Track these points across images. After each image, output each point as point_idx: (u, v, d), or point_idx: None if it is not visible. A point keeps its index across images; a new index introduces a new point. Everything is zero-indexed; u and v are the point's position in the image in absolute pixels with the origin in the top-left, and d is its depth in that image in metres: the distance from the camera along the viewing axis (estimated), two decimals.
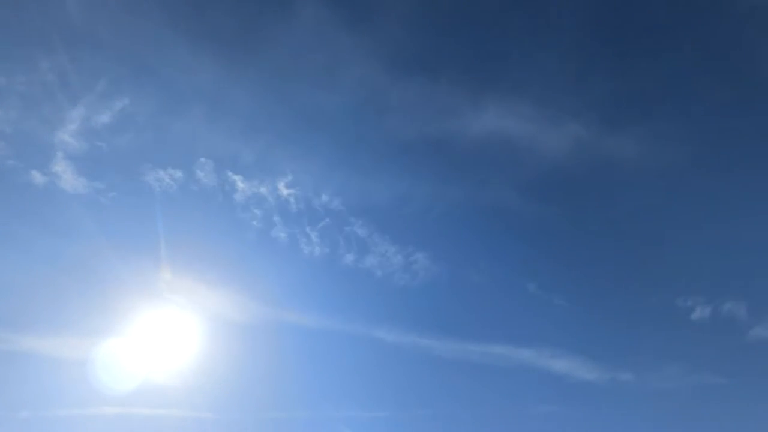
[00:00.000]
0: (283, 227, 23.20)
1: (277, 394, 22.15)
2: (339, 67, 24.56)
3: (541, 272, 25.07)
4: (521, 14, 25.53)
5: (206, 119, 23.62)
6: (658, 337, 26.21)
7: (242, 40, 23.65)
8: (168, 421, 21.07)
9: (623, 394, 25.95)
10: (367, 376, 23.90)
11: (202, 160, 22.79)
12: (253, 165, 23.51)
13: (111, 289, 21.58)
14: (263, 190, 23.13)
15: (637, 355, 26.15)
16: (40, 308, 21.27)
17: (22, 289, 20.98)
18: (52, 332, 20.88)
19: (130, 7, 22.25)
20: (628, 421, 26.07)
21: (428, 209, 24.57)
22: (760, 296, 26.03)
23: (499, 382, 24.33)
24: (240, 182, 23.06)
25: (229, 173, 23.05)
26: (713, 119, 26.21)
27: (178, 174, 22.45)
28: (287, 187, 23.46)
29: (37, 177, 21.19)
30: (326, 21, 23.76)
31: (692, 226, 25.67)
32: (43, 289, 21.17)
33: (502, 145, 24.89)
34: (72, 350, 20.72)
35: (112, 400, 20.55)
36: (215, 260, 22.66)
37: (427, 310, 24.73)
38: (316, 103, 24.36)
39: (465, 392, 23.97)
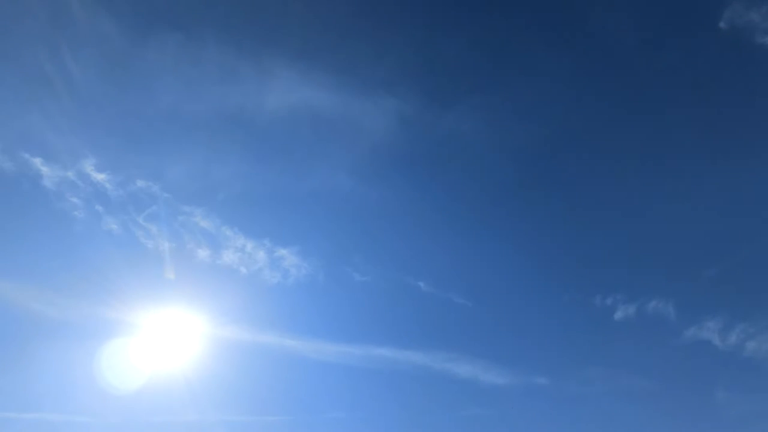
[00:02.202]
0: (111, 218, 20.20)
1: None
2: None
3: (432, 269, 22.77)
4: None
5: None
6: (576, 339, 24.15)
7: None
8: None
9: (538, 399, 23.92)
10: (241, 379, 21.62)
11: None
12: (51, 145, 19.83)
13: None
14: (70, 174, 19.76)
15: (553, 358, 24.11)
16: None
17: None
18: None
19: None
20: (543, 429, 24.14)
21: (268, 196, 21.84)
22: (690, 295, 24.03)
23: (390, 386, 22.16)
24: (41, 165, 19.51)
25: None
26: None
27: None
28: (97, 170, 19.98)
29: None
30: None
31: (604, 216, 23.50)
32: None
33: (317, 121, 22.02)
34: None
35: None
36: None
37: (303, 311, 22.29)
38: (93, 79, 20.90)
39: (350, 397, 21.83)
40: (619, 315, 24.00)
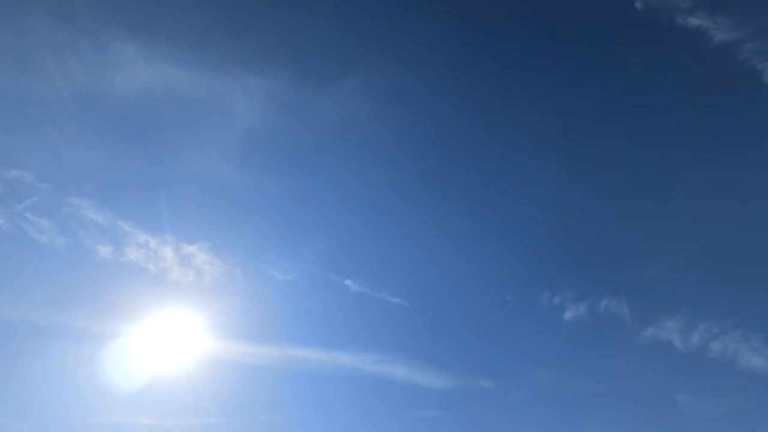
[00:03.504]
0: None
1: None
2: None
3: (360, 267, 20.97)
4: None
5: None
6: (523, 340, 22.45)
7: None
8: None
9: (482, 403, 22.28)
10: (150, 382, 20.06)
11: None
12: None
13: None
14: None
15: (498, 360, 22.43)
16: None
17: None
18: None
19: None
20: None
21: (153, 187, 19.79)
22: (645, 293, 22.18)
23: (315, 388, 20.55)
24: None
25: None
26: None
27: None
28: None
29: None
30: None
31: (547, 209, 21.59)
32: None
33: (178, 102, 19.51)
34: None
35: None
36: None
37: (222, 311, 20.57)
38: None
39: (269, 399, 20.25)
40: (569, 315, 22.28)
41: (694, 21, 20.10)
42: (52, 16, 18.82)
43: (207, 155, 19.99)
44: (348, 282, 20.20)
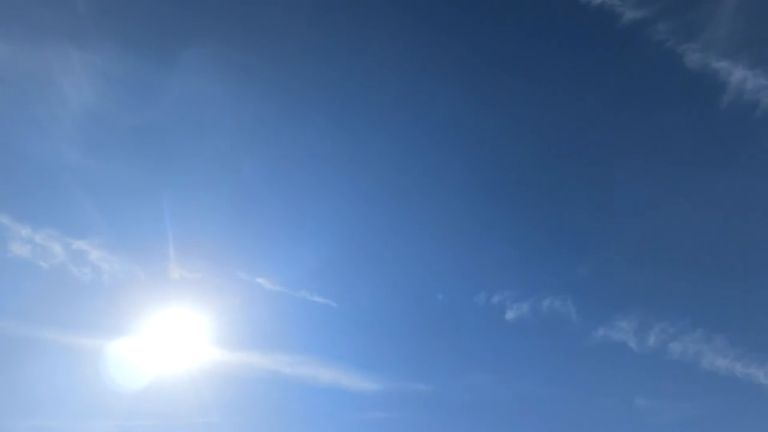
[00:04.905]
0: None
1: None
2: None
3: (274, 265, 19.14)
4: None
5: None
6: (460, 342, 20.67)
7: None
8: None
9: (417, 407, 20.69)
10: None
11: None
12: None
13: None
14: None
15: (434, 362, 20.74)
16: None
17: None
18: None
19: None
20: None
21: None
22: (593, 292, 20.29)
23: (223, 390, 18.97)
24: None
25: None
26: None
27: None
28: None
29: None
30: None
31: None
32: None
33: None
34: None
35: None
36: None
37: (124, 311, 18.93)
38: None
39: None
40: (511, 315, 20.48)
41: None
42: None
43: (45, 138, 17.69)
44: (261, 280, 18.60)
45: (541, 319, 20.59)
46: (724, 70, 16.56)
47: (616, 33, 17.19)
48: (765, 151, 16.87)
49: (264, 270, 18.52)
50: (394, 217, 19.87)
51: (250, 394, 18.95)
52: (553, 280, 19.49)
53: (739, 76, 16.43)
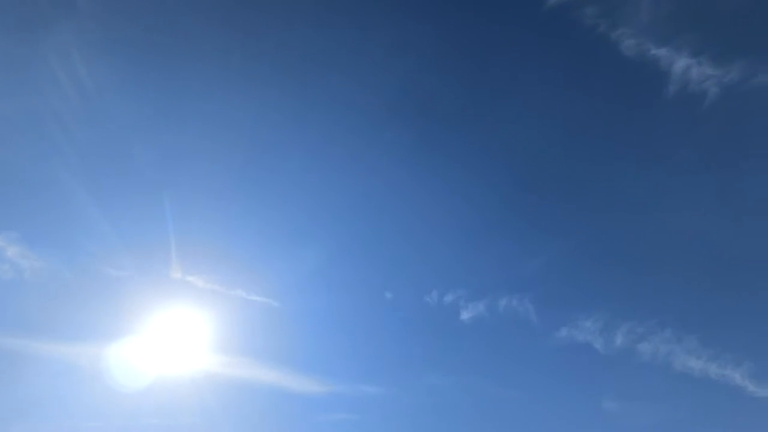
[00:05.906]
0: None
1: None
2: None
3: (210, 261, 17.84)
4: None
5: None
6: (412, 343, 19.48)
7: None
8: None
9: (367, 410, 19.64)
10: None
11: None
12: None
13: None
14: None
15: (385, 364, 19.59)
16: None
17: None
18: None
19: None
20: None
21: None
22: (551, 291, 18.99)
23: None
24: None
25: None
26: None
27: None
28: None
29: None
30: None
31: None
32: None
33: None
34: None
35: None
36: None
37: (50, 310, 17.79)
38: None
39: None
40: (466, 315, 19.24)
41: None
42: None
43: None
44: (192, 278, 17.46)
45: (499, 320, 19.37)
46: (665, 58, 14.92)
47: (537, 19, 15.61)
48: (716, 145, 15.44)
49: (196, 268, 17.41)
50: (341, 212, 18.66)
51: (184, 396, 17.95)
52: (508, 277, 18.22)
53: (682, 64, 14.77)
